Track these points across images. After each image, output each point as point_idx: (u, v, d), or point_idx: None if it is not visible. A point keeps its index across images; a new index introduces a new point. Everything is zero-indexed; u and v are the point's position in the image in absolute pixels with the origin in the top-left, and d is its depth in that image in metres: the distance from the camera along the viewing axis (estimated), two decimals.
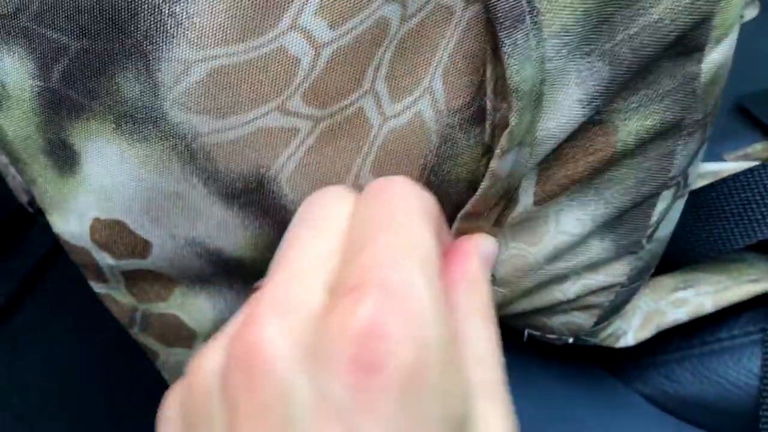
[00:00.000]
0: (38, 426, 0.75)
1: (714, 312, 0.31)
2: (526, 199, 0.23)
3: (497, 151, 0.21)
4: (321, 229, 0.21)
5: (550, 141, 0.22)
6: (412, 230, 0.19)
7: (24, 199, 0.30)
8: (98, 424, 0.75)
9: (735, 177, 0.30)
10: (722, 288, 0.31)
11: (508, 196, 0.23)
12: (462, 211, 0.23)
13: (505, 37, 0.20)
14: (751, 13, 0.58)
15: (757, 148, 0.41)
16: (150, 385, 0.80)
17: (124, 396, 0.77)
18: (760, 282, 0.31)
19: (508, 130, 0.21)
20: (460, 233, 0.23)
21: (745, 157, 0.41)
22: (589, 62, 0.21)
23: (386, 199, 0.20)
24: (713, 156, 0.41)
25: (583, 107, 0.22)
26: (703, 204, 0.31)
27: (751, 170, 0.30)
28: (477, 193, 0.22)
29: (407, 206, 0.20)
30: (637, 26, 0.21)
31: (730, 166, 0.37)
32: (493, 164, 0.21)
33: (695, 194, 0.31)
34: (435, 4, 0.21)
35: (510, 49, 0.20)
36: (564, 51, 0.21)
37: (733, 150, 0.41)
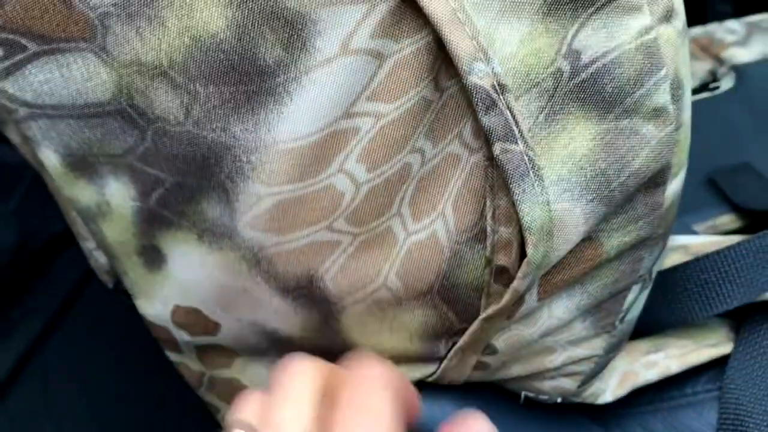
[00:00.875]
0: None
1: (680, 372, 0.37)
2: (530, 298, 0.29)
3: (519, 274, 0.27)
4: (294, 399, 0.24)
5: (556, 260, 0.28)
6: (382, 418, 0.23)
7: (106, 278, 0.35)
8: None
9: (696, 261, 0.36)
10: (687, 351, 0.37)
11: (520, 301, 0.29)
12: (484, 315, 0.29)
13: (515, 187, 0.26)
14: (727, 83, 0.64)
15: (724, 220, 0.47)
16: (179, 408, 0.82)
17: (156, 418, 0.80)
18: (718, 346, 0.38)
19: (526, 260, 0.27)
20: (481, 331, 0.30)
21: (713, 228, 0.47)
22: (592, 207, 0.27)
23: (360, 384, 0.24)
24: (683, 226, 0.47)
25: (584, 235, 0.28)
26: (670, 283, 0.37)
27: (707, 256, 0.36)
28: (500, 305, 0.28)
29: (377, 394, 0.23)
30: (624, 175, 0.27)
31: (697, 240, 0.43)
32: (515, 284, 0.27)
33: (663, 274, 0.37)
34: (446, 152, 0.27)
35: (520, 197, 0.26)
36: (565, 196, 0.27)
37: (702, 221, 0.47)
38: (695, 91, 0.62)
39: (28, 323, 0.89)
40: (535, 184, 0.26)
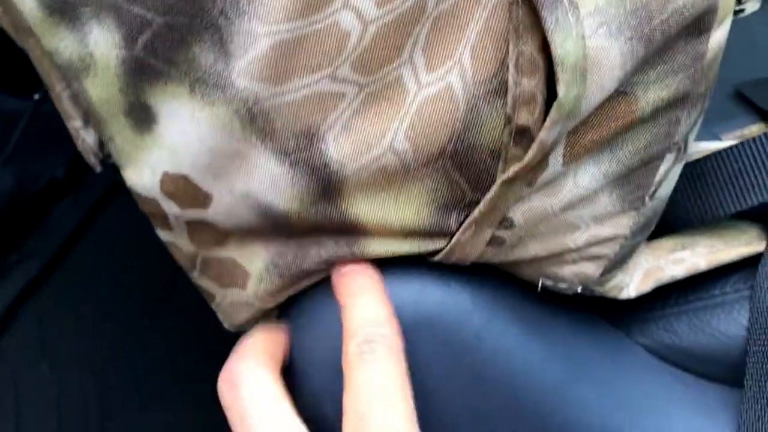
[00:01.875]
0: (68, 390, 0.79)
1: (706, 271, 0.34)
2: (555, 161, 0.27)
3: (548, 121, 0.24)
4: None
5: (587, 112, 0.25)
6: None
7: (93, 160, 0.33)
8: (123, 387, 0.79)
9: (728, 150, 0.34)
10: (716, 250, 0.35)
11: (544, 161, 0.26)
12: (503, 177, 0.26)
13: (547, 15, 0.23)
14: (753, 6, 0.61)
15: (753, 129, 0.45)
16: (171, 347, 0.84)
17: (149, 360, 0.81)
18: (751, 245, 0.35)
19: (556, 102, 0.24)
20: (498, 198, 0.27)
21: (741, 138, 0.44)
22: (630, 46, 0.24)
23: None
24: (712, 137, 0.44)
25: (619, 83, 0.25)
26: (700, 174, 0.34)
27: (742, 144, 0.33)
28: (523, 163, 0.25)
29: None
30: (667, 12, 0.24)
31: (725, 145, 0.40)
32: (542, 134, 0.25)
33: (693, 165, 0.34)
34: None
35: (552, 26, 0.23)
36: (602, 31, 0.24)
37: (730, 131, 0.45)
38: None
39: (25, 266, 0.89)
40: (569, 14, 0.23)
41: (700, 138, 0.43)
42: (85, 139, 0.32)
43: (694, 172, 0.34)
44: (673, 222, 0.35)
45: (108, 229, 0.94)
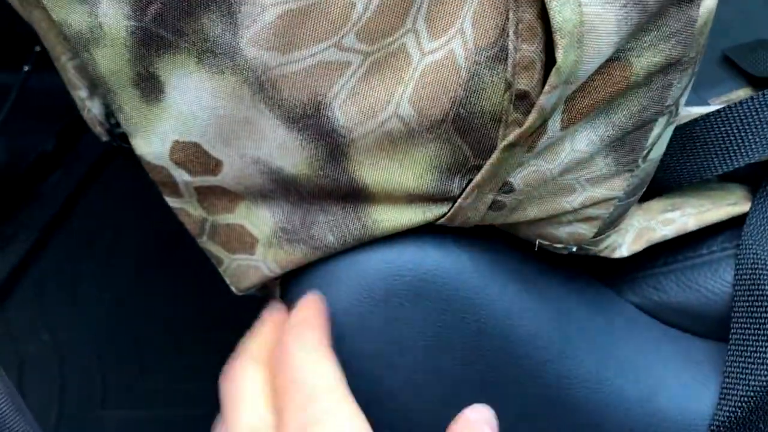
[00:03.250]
0: (68, 357, 0.80)
1: (697, 230, 0.36)
2: (553, 126, 0.28)
3: (547, 86, 0.25)
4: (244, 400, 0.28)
5: (585, 77, 0.26)
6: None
7: (99, 129, 0.34)
8: (124, 355, 0.80)
9: (716, 112, 0.35)
10: (704, 210, 0.36)
11: (543, 126, 0.27)
12: (505, 142, 0.27)
13: None
14: None
15: (740, 94, 0.46)
16: (169, 316, 0.85)
17: (147, 328, 0.81)
18: (736, 205, 0.36)
19: (555, 67, 0.25)
20: (499, 163, 0.28)
21: (728, 102, 0.46)
22: (625, 12, 0.25)
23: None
24: (700, 101, 0.45)
25: (614, 48, 0.26)
26: (689, 136, 0.35)
27: (728, 107, 0.35)
28: (523, 127, 0.26)
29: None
30: None
31: (713, 109, 0.42)
32: (541, 99, 0.26)
33: (682, 128, 0.35)
34: None
35: None
36: None
37: (718, 96, 0.46)
38: None
39: (21, 238, 0.90)
40: None
41: (688, 103, 0.44)
42: (91, 109, 0.32)
43: (683, 135, 0.35)
44: (664, 184, 0.36)
45: (100, 198, 0.94)
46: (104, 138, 0.34)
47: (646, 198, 0.37)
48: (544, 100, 0.26)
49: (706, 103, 0.45)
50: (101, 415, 0.78)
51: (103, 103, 0.32)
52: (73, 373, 0.80)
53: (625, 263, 0.36)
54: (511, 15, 0.25)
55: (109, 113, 0.33)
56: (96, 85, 0.31)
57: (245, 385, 0.28)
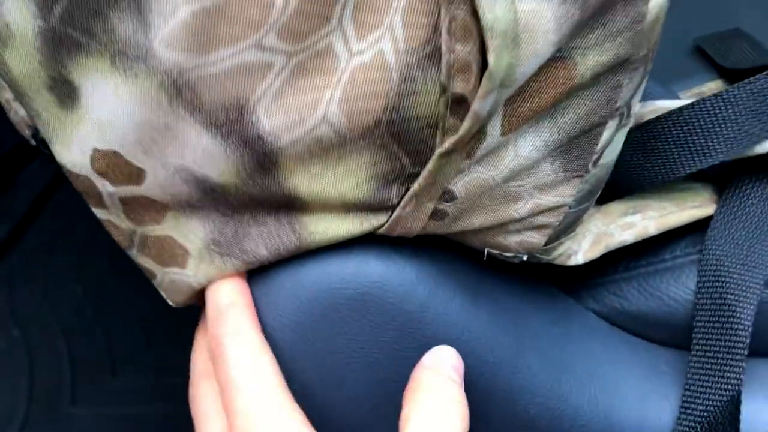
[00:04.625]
0: (39, 355, 0.79)
1: (659, 235, 0.34)
2: (493, 131, 0.26)
3: (480, 92, 0.23)
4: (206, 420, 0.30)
5: (523, 80, 0.25)
6: None
7: (27, 133, 0.32)
8: (95, 351, 0.79)
9: (678, 111, 0.33)
10: (667, 213, 0.34)
11: (481, 132, 0.26)
12: (440, 150, 0.25)
13: None
14: None
15: (711, 86, 0.44)
16: (141, 311, 0.82)
17: (119, 324, 0.80)
18: (700, 208, 0.35)
19: (487, 71, 0.23)
20: (438, 171, 0.26)
21: (699, 95, 0.44)
22: (565, 9, 0.23)
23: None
24: (670, 93, 0.43)
25: (555, 48, 0.24)
26: (650, 136, 0.33)
27: (692, 105, 0.33)
28: (458, 135, 0.25)
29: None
30: None
31: (682, 103, 0.40)
32: (475, 105, 0.24)
33: (643, 127, 0.34)
34: None
35: None
36: None
37: (688, 88, 0.44)
38: None
39: None
40: None
41: (658, 97, 0.42)
42: (17, 111, 0.30)
43: (645, 134, 0.33)
44: (624, 186, 0.34)
45: (74, 192, 0.92)
46: (32, 142, 0.33)
47: (605, 200, 0.35)
48: (478, 106, 0.24)
49: (676, 97, 0.44)
50: (71, 412, 0.76)
51: (23, 106, 0.30)
52: (43, 370, 0.79)
53: (585, 269, 0.35)
54: (443, 11, 0.23)
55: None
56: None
57: (204, 404, 0.30)
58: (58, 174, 0.90)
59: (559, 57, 0.25)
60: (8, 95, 0.31)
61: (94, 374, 0.77)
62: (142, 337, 0.79)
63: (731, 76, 0.43)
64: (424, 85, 0.25)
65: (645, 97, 0.42)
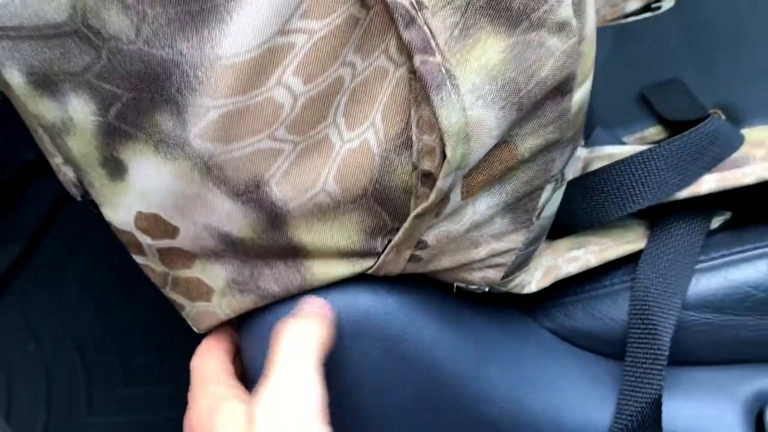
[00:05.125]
0: (54, 366, 0.82)
1: (599, 266, 0.41)
2: (455, 197, 0.33)
3: (441, 174, 0.30)
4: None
5: (474, 163, 0.31)
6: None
7: (74, 191, 0.38)
8: (108, 362, 0.82)
9: (612, 165, 0.40)
10: (606, 247, 0.41)
11: (445, 199, 0.32)
12: (414, 213, 0.32)
13: (434, 95, 0.29)
14: (668, 3, 0.67)
15: (652, 131, 0.51)
16: (151, 322, 0.84)
17: (130, 335, 0.84)
18: (634, 243, 0.42)
19: (446, 160, 0.30)
20: (413, 228, 0.33)
21: (642, 140, 0.51)
22: (504, 113, 0.30)
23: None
24: (614, 138, 0.50)
25: (498, 139, 0.31)
26: (589, 186, 0.41)
27: (623, 160, 0.40)
28: (427, 203, 0.32)
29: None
30: (532, 84, 0.30)
31: (623, 149, 0.47)
32: (439, 183, 0.31)
33: (584, 178, 0.41)
34: (375, 66, 0.30)
35: (438, 104, 0.29)
36: (479, 103, 0.29)
37: (631, 134, 0.51)
38: (638, 12, 0.65)
39: (4, 248, 0.91)
40: (452, 92, 0.29)
41: (603, 142, 0.49)
42: (66, 173, 0.36)
43: (585, 185, 0.41)
44: (570, 226, 0.41)
45: (82, 206, 0.93)
46: (78, 198, 0.39)
47: (554, 237, 0.42)
48: (441, 184, 0.31)
49: (620, 142, 0.51)
50: (87, 420, 0.80)
51: (77, 174, 0.37)
52: (59, 381, 0.83)
53: (540, 293, 0.42)
54: (413, 112, 0.30)
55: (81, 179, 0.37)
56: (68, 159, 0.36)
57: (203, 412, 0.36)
58: (63, 192, 0.93)
59: (503, 141, 0.32)
60: (58, 160, 0.37)
61: (108, 384, 0.81)
62: (153, 346, 0.84)
63: (669, 124, 0.50)
64: (399, 164, 0.32)
65: (592, 143, 0.49)
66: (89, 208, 0.38)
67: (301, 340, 0.34)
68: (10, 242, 0.92)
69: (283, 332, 0.34)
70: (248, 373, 0.38)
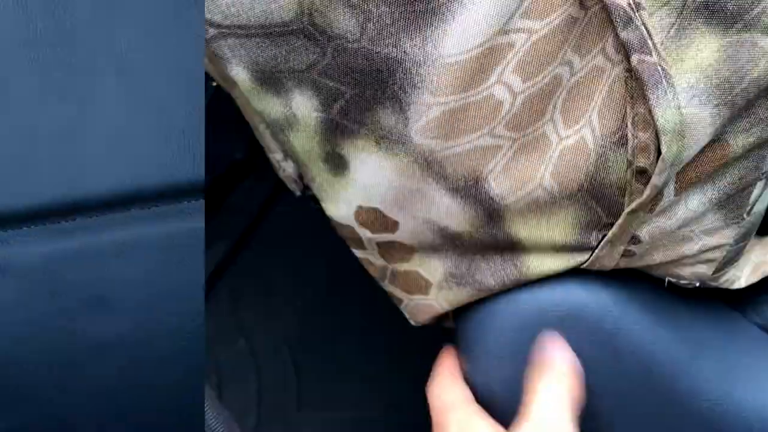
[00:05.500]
0: (265, 363, 0.86)
1: None
2: (668, 193, 0.34)
3: (656, 171, 0.32)
4: None
5: (688, 159, 0.33)
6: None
7: (294, 186, 0.42)
8: (316, 358, 0.85)
9: None
10: None
11: (659, 195, 0.34)
12: (628, 209, 0.34)
13: (650, 94, 0.31)
14: None
15: None
16: (360, 322, 0.83)
17: (338, 334, 0.85)
18: None
19: (661, 157, 0.31)
20: (627, 223, 0.35)
21: None
22: (717, 110, 0.32)
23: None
24: None
25: (712, 137, 0.32)
26: None
27: None
28: (641, 199, 0.33)
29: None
30: (745, 83, 0.31)
31: None
32: (654, 179, 0.32)
33: None
34: (592, 65, 0.32)
35: (655, 102, 0.31)
36: (694, 101, 0.31)
37: None
38: None
39: (213, 247, 0.93)
40: (668, 91, 0.31)
41: None
42: (286, 169, 0.40)
43: None
44: None
45: (291, 205, 0.82)
46: (298, 193, 0.42)
47: (764, 233, 0.42)
48: (656, 180, 0.33)
49: None
50: (299, 416, 0.82)
51: (297, 169, 0.40)
52: (269, 377, 0.85)
53: (748, 289, 0.42)
54: (628, 110, 0.32)
55: (301, 174, 0.39)
56: (287, 153, 0.38)
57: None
58: (271, 194, 0.91)
59: (715, 139, 0.33)
60: (278, 156, 0.40)
61: (319, 382, 0.83)
62: (364, 345, 0.84)
63: None
64: (614, 160, 0.34)
65: None
66: (310, 204, 0.40)
67: (558, 394, 0.36)
68: (220, 240, 0.93)
69: (539, 386, 0.36)
70: (464, 365, 0.41)
